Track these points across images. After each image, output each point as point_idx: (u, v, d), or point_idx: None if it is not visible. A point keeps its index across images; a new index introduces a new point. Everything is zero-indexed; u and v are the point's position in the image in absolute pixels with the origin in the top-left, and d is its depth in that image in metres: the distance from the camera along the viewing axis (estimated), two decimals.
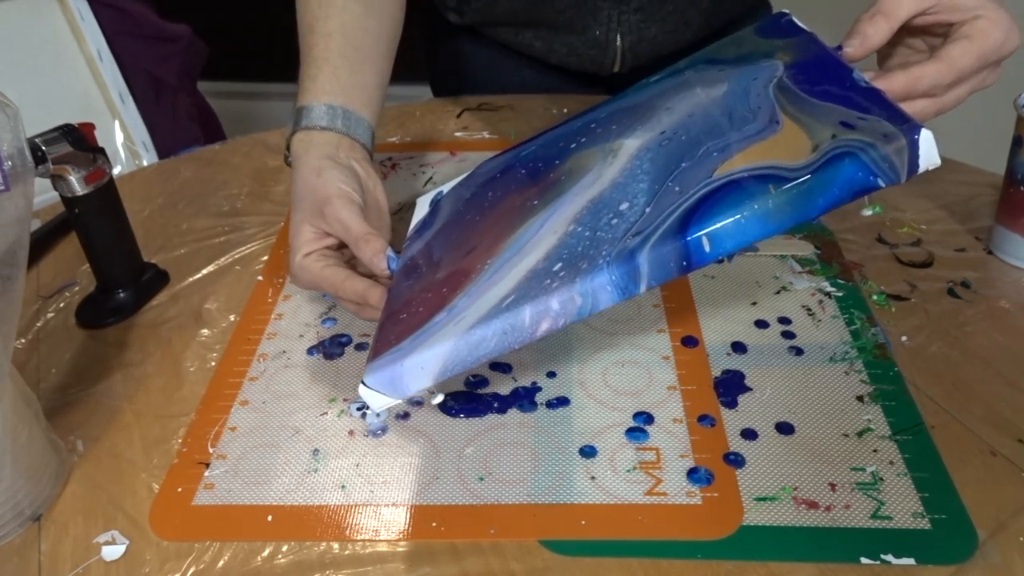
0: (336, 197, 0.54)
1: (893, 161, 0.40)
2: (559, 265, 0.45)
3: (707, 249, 0.42)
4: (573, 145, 0.56)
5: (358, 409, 0.53)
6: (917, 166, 0.41)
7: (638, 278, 0.43)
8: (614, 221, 0.46)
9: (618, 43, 0.83)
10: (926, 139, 0.40)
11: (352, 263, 0.57)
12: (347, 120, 0.60)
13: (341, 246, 0.56)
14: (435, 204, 0.63)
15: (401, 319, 0.49)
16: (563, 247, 0.46)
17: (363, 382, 0.47)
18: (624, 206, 0.46)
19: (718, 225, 0.41)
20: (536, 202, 0.52)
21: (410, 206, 0.72)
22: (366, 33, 0.63)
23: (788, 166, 0.42)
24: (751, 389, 0.53)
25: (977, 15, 0.48)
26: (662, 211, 0.44)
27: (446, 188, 0.64)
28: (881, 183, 0.41)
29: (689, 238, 0.42)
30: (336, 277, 0.53)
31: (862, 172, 0.41)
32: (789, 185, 0.41)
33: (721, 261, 0.47)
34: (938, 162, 0.41)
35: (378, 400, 0.47)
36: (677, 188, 0.45)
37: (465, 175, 0.64)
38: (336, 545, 0.45)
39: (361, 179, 0.58)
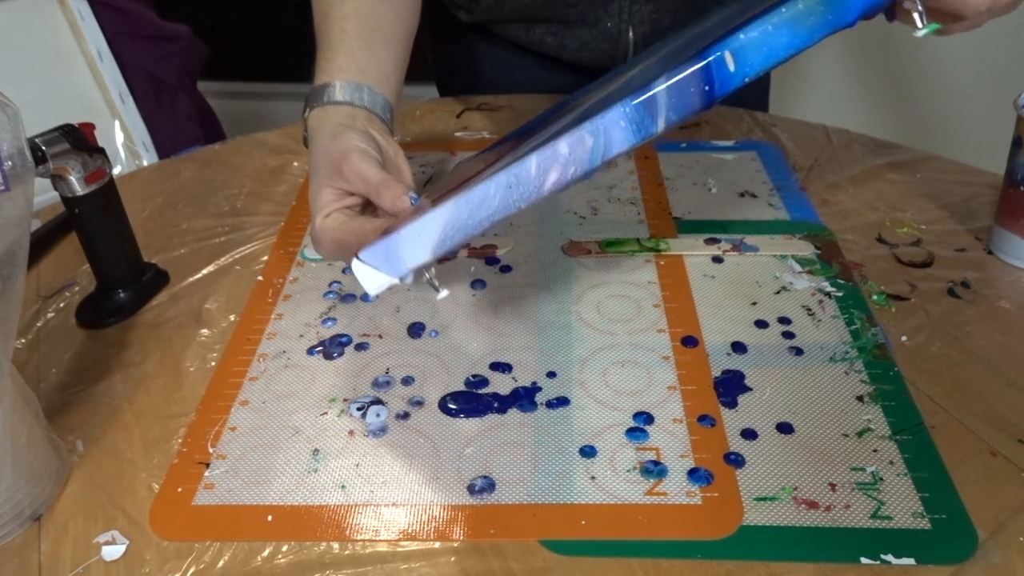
0: (353, 152, 0.52)
1: None
2: (571, 120, 0.41)
3: (731, 68, 0.37)
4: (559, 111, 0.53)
5: (358, 409, 0.53)
6: None
7: (655, 111, 0.37)
8: (633, 83, 0.41)
9: (630, 35, 0.82)
10: None
11: None
12: (364, 94, 0.58)
13: (364, 207, 0.54)
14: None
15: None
16: (580, 117, 0.41)
17: (357, 256, 0.43)
18: (638, 70, 0.42)
19: (742, 36, 0.37)
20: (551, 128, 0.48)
21: None
22: (381, 17, 0.62)
23: None
24: (751, 389, 0.53)
25: None
26: (681, 51, 0.39)
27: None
28: None
29: (710, 56, 0.37)
30: (357, 225, 0.51)
31: None
32: None
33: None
34: None
35: (373, 278, 0.42)
36: (697, 32, 0.41)
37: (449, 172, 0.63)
38: (336, 545, 0.45)
39: (380, 144, 0.55)
